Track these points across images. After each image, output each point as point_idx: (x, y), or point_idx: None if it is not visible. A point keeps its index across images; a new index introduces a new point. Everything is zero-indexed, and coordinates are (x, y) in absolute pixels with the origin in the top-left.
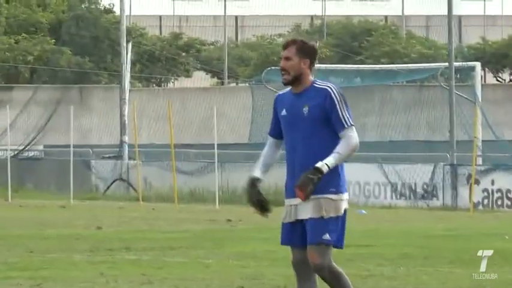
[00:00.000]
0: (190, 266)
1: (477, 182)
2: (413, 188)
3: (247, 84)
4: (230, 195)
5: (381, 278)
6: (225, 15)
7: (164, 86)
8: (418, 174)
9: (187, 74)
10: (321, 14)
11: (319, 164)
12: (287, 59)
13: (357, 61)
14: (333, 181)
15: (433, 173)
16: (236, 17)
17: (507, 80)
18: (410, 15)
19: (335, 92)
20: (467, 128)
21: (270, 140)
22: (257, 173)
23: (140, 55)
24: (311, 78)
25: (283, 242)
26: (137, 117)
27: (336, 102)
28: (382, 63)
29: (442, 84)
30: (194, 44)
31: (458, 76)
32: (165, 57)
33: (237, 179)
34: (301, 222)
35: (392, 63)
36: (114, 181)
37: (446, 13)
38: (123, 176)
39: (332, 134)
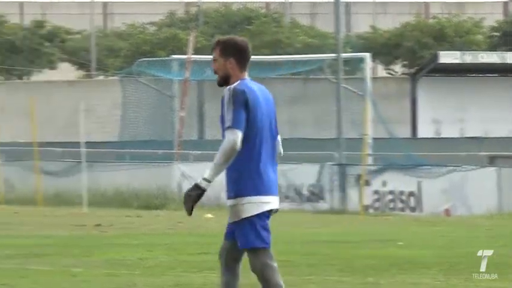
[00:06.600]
0: (56, 275)
1: (367, 183)
2: (298, 189)
3: (117, 77)
4: (99, 197)
5: None
6: (92, 2)
7: (26, 78)
8: (304, 174)
9: (52, 66)
10: (197, 1)
11: (198, 180)
12: (214, 60)
13: None
14: (233, 186)
15: (320, 173)
16: (104, 4)
17: (399, 72)
18: (294, 2)
19: (228, 93)
20: (357, 124)
21: None
22: None
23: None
24: (239, 79)
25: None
26: None
27: (225, 103)
28: (264, 54)
29: (328, 77)
30: (59, 33)
31: (346, 68)
32: (27, 48)
33: (107, 180)
34: None
35: (275, 54)
36: None
37: None
38: None
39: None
